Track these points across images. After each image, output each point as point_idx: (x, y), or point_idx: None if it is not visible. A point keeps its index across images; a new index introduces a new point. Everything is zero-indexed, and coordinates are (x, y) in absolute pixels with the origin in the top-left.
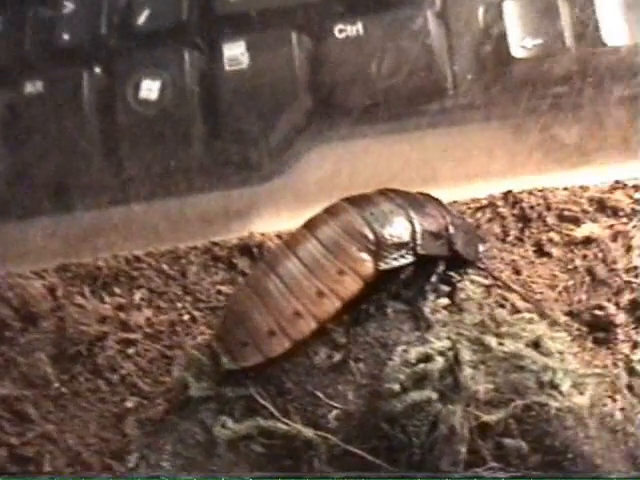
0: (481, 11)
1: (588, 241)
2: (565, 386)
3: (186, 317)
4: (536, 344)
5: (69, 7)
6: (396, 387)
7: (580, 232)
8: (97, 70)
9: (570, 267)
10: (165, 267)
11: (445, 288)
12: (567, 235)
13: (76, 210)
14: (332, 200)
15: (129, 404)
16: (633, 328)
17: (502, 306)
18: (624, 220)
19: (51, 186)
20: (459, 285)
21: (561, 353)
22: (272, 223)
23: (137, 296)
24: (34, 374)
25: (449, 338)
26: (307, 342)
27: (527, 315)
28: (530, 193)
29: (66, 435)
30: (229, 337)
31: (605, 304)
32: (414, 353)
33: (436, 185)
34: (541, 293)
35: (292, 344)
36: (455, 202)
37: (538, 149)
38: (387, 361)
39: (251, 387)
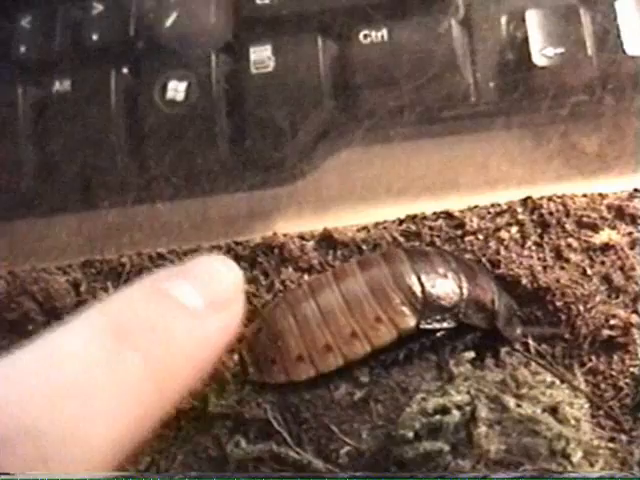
0: (504, 19)
1: (606, 247)
2: (576, 457)
3: None
4: (554, 410)
5: (98, 8)
6: (410, 434)
7: (598, 238)
8: (125, 70)
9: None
10: None
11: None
12: (586, 241)
13: (101, 208)
14: (354, 203)
15: None
16: None
17: (526, 365)
18: None
19: (77, 184)
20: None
21: (577, 421)
22: (295, 224)
23: None
24: None
25: (469, 393)
26: (330, 376)
27: (548, 379)
28: (549, 199)
29: None
30: (259, 350)
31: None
32: (432, 403)
33: (457, 190)
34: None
35: (317, 374)
36: (476, 207)
37: (558, 156)
38: (405, 407)
39: (269, 412)
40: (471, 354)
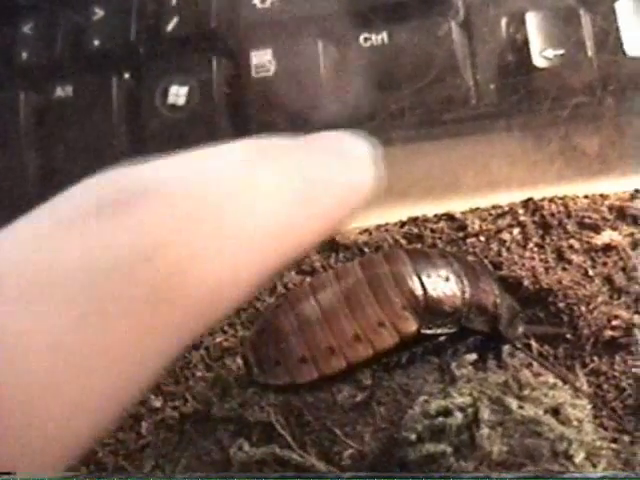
0: (504, 21)
1: (608, 248)
2: (579, 458)
3: None
4: (556, 411)
5: (99, 14)
6: (413, 436)
7: (600, 239)
8: (126, 75)
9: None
10: None
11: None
12: (587, 242)
13: None
14: None
15: (151, 405)
16: None
17: (528, 366)
18: None
19: None
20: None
21: (580, 422)
22: None
23: None
24: None
25: (471, 395)
26: (333, 378)
27: (551, 380)
28: (551, 201)
29: None
30: (262, 350)
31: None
32: (435, 405)
33: (458, 192)
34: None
35: (320, 377)
36: (477, 209)
37: (559, 158)
38: (407, 409)
39: (272, 415)
40: (473, 356)
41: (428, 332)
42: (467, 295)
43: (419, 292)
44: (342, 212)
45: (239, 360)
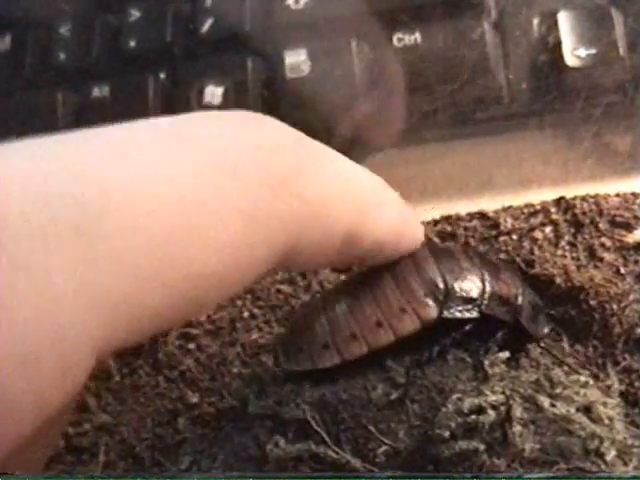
0: (536, 21)
1: (639, 247)
2: (610, 456)
3: (246, 314)
4: (587, 409)
5: (135, 15)
6: (446, 434)
7: (632, 238)
8: (162, 76)
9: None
10: None
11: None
12: (619, 240)
13: None
14: None
15: (188, 400)
16: None
17: (560, 364)
18: None
19: None
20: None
21: (611, 420)
22: None
23: None
24: (97, 367)
25: (504, 393)
26: (357, 364)
27: (582, 378)
28: (583, 199)
29: (122, 428)
30: (290, 340)
31: None
32: (468, 403)
33: (491, 190)
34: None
35: (341, 362)
36: (510, 207)
37: (591, 156)
38: (441, 407)
39: (308, 412)
40: (506, 354)
41: (449, 316)
42: (487, 285)
43: (439, 281)
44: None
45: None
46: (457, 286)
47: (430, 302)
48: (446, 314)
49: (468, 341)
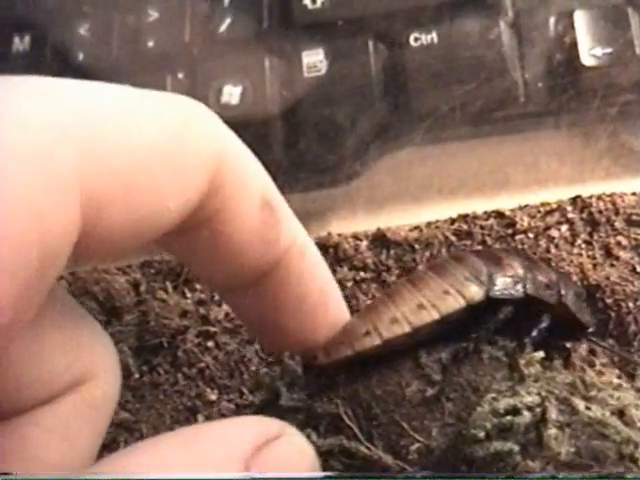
0: (552, 21)
1: None
2: None
3: None
4: (621, 412)
5: (154, 15)
6: (481, 434)
7: None
8: (180, 75)
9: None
10: None
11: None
12: (635, 239)
13: None
14: (406, 203)
15: (207, 398)
16: None
17: (591, 365)
18: None
19: None
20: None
21: None
22: (349, 224)
23: None
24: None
25: (539, 394)
26: (399, 346)
27: (615, 381)
28: (599, 198)
29: (141, 425)
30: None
31: None
32: (503, 404)
33: (507, 189)
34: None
35: (383, 343)
36: (526, 206)
37: (607, 155)
38: (476, 406)
39: (340, 407)
40: (540, 354)
41: (496, 295)
42: (528, 269)
43: (481, 266)
44: None
45: None
46: (499, 270)
47: (474, 284)
48: (493, 293)
49: (502, 339)
